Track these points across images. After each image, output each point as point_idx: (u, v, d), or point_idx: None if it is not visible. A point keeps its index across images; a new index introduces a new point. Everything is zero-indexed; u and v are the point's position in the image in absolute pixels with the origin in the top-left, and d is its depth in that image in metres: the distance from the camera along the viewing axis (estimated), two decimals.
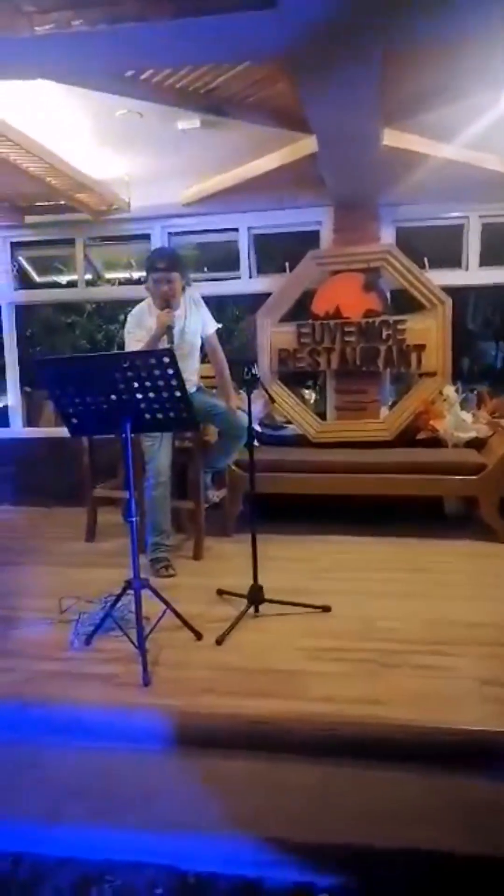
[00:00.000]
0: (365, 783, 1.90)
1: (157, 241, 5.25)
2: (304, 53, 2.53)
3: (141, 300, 3.75)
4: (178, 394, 2.50)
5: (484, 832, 1.74)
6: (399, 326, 4.66)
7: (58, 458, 5.29)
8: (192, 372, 3.67)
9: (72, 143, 3.77)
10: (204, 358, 3.93)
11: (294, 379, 5.19)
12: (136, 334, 3.57)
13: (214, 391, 3.93)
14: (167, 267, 3.52)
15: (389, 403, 4.98)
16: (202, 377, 3.96)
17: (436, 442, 4.58)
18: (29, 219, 5.16)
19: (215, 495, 4.08)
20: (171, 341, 3.39)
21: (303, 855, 1.67)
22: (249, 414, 3.04)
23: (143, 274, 5.27)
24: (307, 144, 3.79)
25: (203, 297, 3.85)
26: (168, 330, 3.42)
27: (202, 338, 3.79)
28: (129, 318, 3.70)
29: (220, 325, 3.98)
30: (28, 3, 2.18)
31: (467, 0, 2.21)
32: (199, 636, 2.68)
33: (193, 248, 5.81)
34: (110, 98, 3.15)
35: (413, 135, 3.80)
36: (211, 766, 2.00)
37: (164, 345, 3.38)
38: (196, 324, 3.71)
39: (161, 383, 2.48)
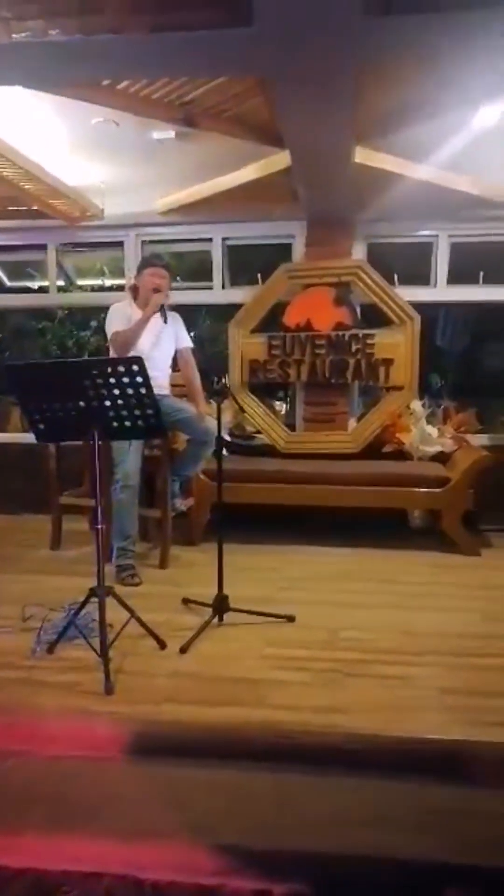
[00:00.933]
0: (323, 791, 1.91)
1: (131, 248, 5.26)
2: (279, 70, 2.57)
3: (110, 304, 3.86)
4: (147, 401, 2.51)
5: (442, 838, 1.76)
6: (368, 340, 4.73)
7: (25, 465, 5.23)
8: (162, 378, 3.74)
9: (47, 148, 3.76)
10: (174, 368, 3.99)
11: (264, 390, 5.22)
12: (116, 324, 3.71)
13: (184, 399, 3.95)
14: (165, 265, 3.81)
15: (357, 416, 5.03)
16: (172, 385, 3.98)
17: (402, 455, 4.65)
18: (1, 223, 5.12)
19: (182, 504, 4.08)
20: (164, 319, 3.64)
21: (261, 862, 1.68)
22: (220, 423, 3.06)
23: (116, 282, 5.30)
24: (281, 159, 3.84)
25: (176, 307, 3.95)
26: (161, 309, 3.61)
27: (176, 349, 3.90)
28: (111, 310, 3.82)
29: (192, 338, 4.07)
30: (5, 9, 2.18)
31: (439, 18, 2.27)
32: (163, 645, 2.67)
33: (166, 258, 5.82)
34: (86, 106, 3.16)
35: (385, 154, 3.88)
36: (170, 774, 1.99)
37: (147, 334, 3.62)
38: (171, 333, 3.84)
39: (130, 391, 2.49)
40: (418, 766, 2.00)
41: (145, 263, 3.86)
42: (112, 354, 3.67)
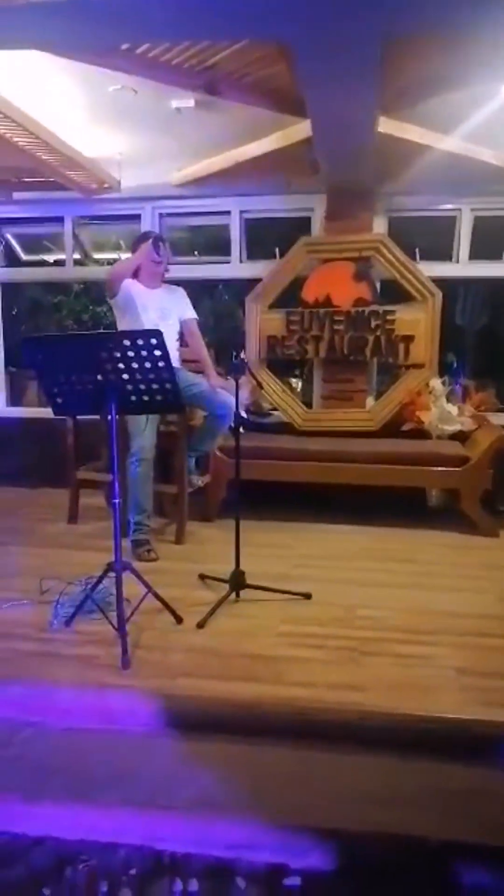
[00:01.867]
0: (338, 768, 1.92)
1: (148, 222, 5.19)
2: (305, 36, 2.49)
3: None
4: (165, 375, 2.48)
5: (457, 817, 1.76)
6: (388, 317, 4.65)
7: (41, 439, 5.24)
8: (172, 349, 3.71)
9: (64, 117, 3.70)
10: (183, 344, 3.98)
11: (282, 366, 5.17)
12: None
13: (200, 375, 3.92)
14: (161, 238, 3.80)
15: (375, 393, 4.98)
16: (184, 361, 3.96)
17: (420, 433, 4.59)
18: (17, 195, 5.08)
19: (200, 480, 4.07)
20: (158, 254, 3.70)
21: (278, 836, 1.68)
22: (237, 399, 3.03)
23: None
24: (301, 129, 3.75)
25: (193, 281, 3.93)
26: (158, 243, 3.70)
27: (180, 321, 3.88)
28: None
29: (202, 313, 4.07)
30: None
31: None
32: (179, 620, 2.68)
33: (184, 231, 5.76)
34: (104, 73, 3.09)
35: (410, 124, 3.78)
36: (188, 748, 2.00)
37: (154, 306, 3.71)
38: (174, 304, 3.85)
39: (148, 364, 2.46)
40: (434, 745, 1.99)
41: (140, 240, 3.82)
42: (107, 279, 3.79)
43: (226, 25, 2.48)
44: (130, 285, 3.72)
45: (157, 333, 2.43)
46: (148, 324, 3.56)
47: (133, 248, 3.84)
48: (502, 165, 4.22)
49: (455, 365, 5.60)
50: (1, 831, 1.76)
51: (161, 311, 3.75)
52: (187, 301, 3.95)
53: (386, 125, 3.64)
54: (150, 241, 3.72)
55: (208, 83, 3.15)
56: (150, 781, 1.88)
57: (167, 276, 3.92)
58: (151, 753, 2.00)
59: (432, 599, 3.00)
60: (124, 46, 2.84)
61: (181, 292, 3.94)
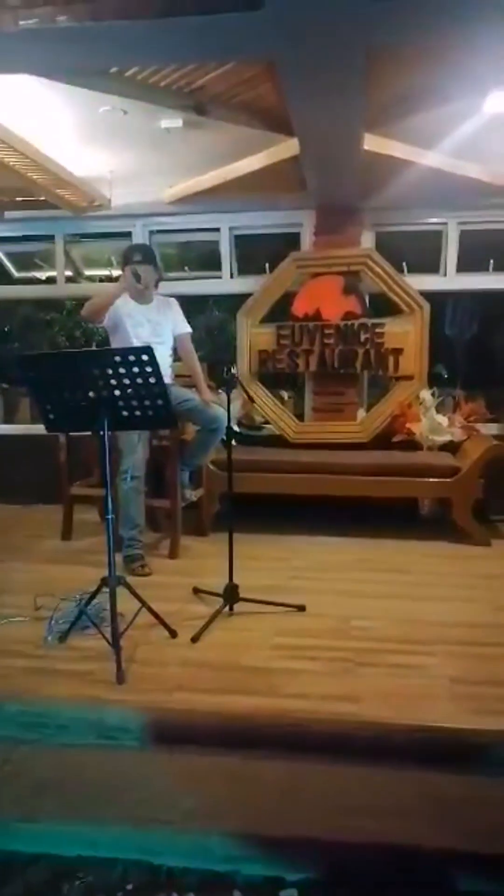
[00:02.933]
0: (335, 779, 1.92)
1: (139, 238, 5.23)
2: (288, 54, 2.54)
3: None
4: (156, 390, 2.51)
5: (452, 826, 1.77)
6: (377, 330, 4.70)
7: (34, 456, 5.23)
8: (164, 366, 3.71)
9: (54, 138, 3.75)
10: (176, 358, 3.98)
11: (273, 380, 5.21)
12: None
13: (192, 389, 3.94)
14: (142, 259, 3.65)
15: (366, 406, 5.02)
16: (177, 376, 3.98)
17: (411, 445, 4.63)
18: (8, 214, 5.12)
19: (192, 494, 4.09)
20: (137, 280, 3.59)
21: (273, 849, 1.69)
22: (229, 413, 3.05)
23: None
24: (290, 146, 3.81)
25: (183, 297, 3.93)
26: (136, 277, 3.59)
27: (174, 336, 3.86)
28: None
29: (194, 328, 4.04)
30: None
31: (449, 4, 2.24)
32: (174, 634, 2.68)
33: (174, 247, 5.81)
34: (94, 94, 3.14)
35: (395, 140, 3.84)
36: (184, 762, 2.00)
37: (145, 322, 3.66)
38: (168, 321, 3.82)
39: (140, 381, 2.48)
40: (429, 755, 2.00)
41: (125, 260, 3.69)
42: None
43: (210, 46, 2.52)
44: (120, 305, 3.67)
45: (148, 350, 2.46)
46: (138, 341, 3.54)
47: (122, 264, 3.78)
48: (487, 180, 4.29)
49: (445, 376, 5.66)
50: None
51: (153, 327, 3.74)
52: (181, 315, 3.91)
53: (371, 142, 3.70)
54: (128, 269, 3.61)
55: (197, 104, 3.20)
56: (146, 795, 1.88)
57: (160, 289, 3.88)
58: (148, 767, 2.00)
59: (425, 609, 3.02)
60: (113, 69, 2.89)
61: (175, 306, 3.90)
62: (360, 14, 2.27)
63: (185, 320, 3.94)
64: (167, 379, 3.71)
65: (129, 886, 1.68)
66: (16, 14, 2.15)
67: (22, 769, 2.01)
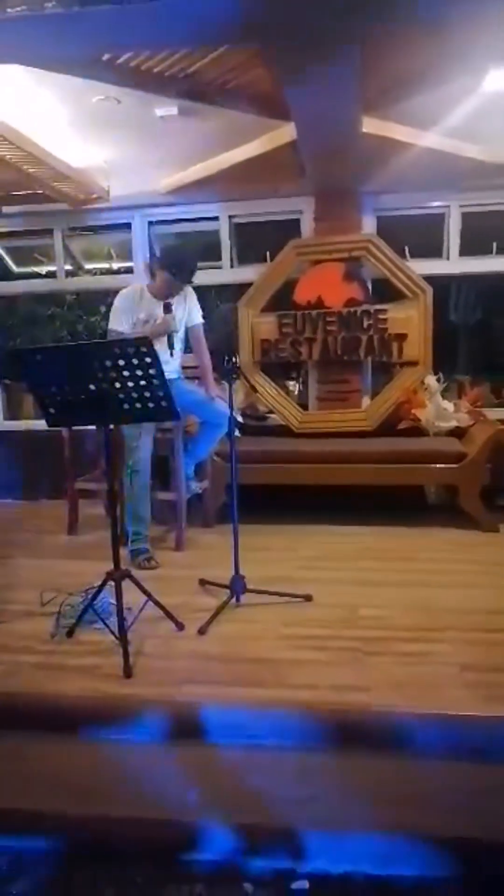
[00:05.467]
0: (346, 769, 1.91)
1: (138, 230, 5.20)
2: (282, 36, 2.50)
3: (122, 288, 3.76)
4: (156, 382, 2.48)
5: (465, 815, 1.75)
6: (380, 316, 4.66)
7: (39, 451, 5.24)
8: (174, 360, 3.68)
9: (48, 130, 3.71)
10: (187, 348, 3.93)
11: (278, 370, 5.18)
12: (121, 319, 3.59)
13: (197, 382, 3.92)
14: (186, 280, 3.58)
15: (371, 393, 4.98)
16: (184, 367, 3.95)
17: (417, 431, 4.59)
18: (6, 209, 5.09)
19: (197, 486, 4.07)
20: (171, 348, 3.53)
21: (284, 842, 1.68)
22: (231, 404, 3.03)
23: (124, 264, 5.22)
24: (286, 132, 3.77)
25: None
26: (168, 337, 3.52)
27: (186, 327, 3.80)
28: (119, 296, 3.67)
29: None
30: None
31: None
32: (181, 626, 2.67)
33: (173, 238, 5.77)
34: (87, 84, 3.10)
35: (393, 123, 3.79)
36: (195, 754, 1.99)
37: (160, 307, 3.54)
38: (182, 313, 3.74)
39: (140, 373, 2.45)
40: (440, 743, 1.98)
41: (170, 265, 3.57)
42: None
43: (203, 31, 2.48)
44: (135, 305, 3.61)
45: (146, 341, 2.43)
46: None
47: (160, 267, 3.65)
48: (487, 160, 4.23)
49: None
50: (6, 846, 1.75)
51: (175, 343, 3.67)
52: (196, 305, 3.83)
53: (369, 124, 3.65)
54: (167, 275, 3.55)
55: (190, 90, 3.16)
56: (158, 788, 1.87)
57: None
58: (159, 760, 1.99)
59: (434, 597, 2.99)
60: (105, 57, 2.85)
61: (192, 295, 3.79)
62: None
63: (200, 311, 3.87)
64: (175, 373, 3.69)
65: (140, 879, 1.67)
66: (3, 1, 2.12)
67: (32, 763, 2.00)
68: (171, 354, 3.56)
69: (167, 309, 3.55)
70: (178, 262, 3.59)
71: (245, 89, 3.27)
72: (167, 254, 3.80)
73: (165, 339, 3.52)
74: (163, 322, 3.55)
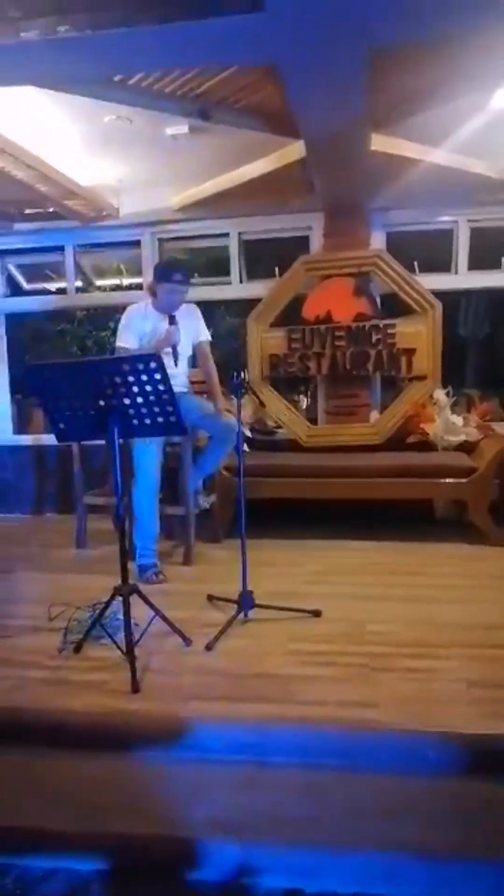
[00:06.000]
0: (354, 786, 1.89)
1: (148, 247, 5.25)
2: (292, 56, 2.53)
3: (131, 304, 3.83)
4: (165, 398, 2.50)
5: (474, 832, 1.73)
6: (389, 330, 4.67)
7: (49, 465, 5.28)
8: (181, 376, 3.71)
9: (60, 149, 3.77)
10: (193, 364, 3.96)
11: (286, 384, 5.19)
12: (127, 336, 3.66)
13: (205, 396, 3.94)
14: (182, 280, 3.64)
15: (380, 407, 4.98)
16: (192, 382, 3.97)
17: (426, 445, 4.58)
18: (18, 226, 5.15)
19: (206, 501, 4.08)
20: (175, 359, 3.57)
21: (291, 860, 1.66)
22: (239, 419, 3.04)
23: (134, 280, 5.27)
24: (296, 149, 3.80)
25: (193, 303, 3.89)
26: (174, 348, 3.57)
27: (193, 345, 3.84)
28: (125, 315, 3.76)
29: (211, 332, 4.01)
30: (13, 8, 2.18)
31: (453, 1, 2.22)
32: (188, 642, 2.66)
33: (183, 254, 5.82)
34: (99, 104, 3.15)
35: (402, 139, 3.82)
36: (198, 772, 1.98)
37: (167, 323, 3.59)
38: (188, 329, 3.78)
39: (149, 388, 2.48)
40: (448, 761, 1.96)
41: (163, 276, 3.64)
42: None
43: (214, 51, 2.52)
44: (140, 320, 3.67)
45: (156, 357, 2.45)
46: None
47: (157, 279, 3.70)
48: (495, 176, 4.25)
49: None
50: (12, 864, 1.74)
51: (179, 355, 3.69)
52: (201, 323, 3.89)
53: (378, 141, 3.68)
54: (166, 286, 3.61)
55: (201, 110, 3.20)
56: (162, 806, 1.86)
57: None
58: (162, 778, 1.98)
59: (442, 612, 2.97)
60: (117, 78, 2.90)
61: (196, 313, 3.85)
62: (362, 14, 2.25)
63: (206, 328, 3.93)
64: (183, 388, 3.72)
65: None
66: (17, 26, 2.16)
67: (37, 780, 1.99)
68: (176, 365, 3.59)
69: (172, 321, 3.60)
70: (162, 268, 3.76)
71: (255, 108, 3.31)
72: (155, 268, 3.89)
73: (171, 350, 3.57)
74: (167, 333, 3.60)
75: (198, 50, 2.49)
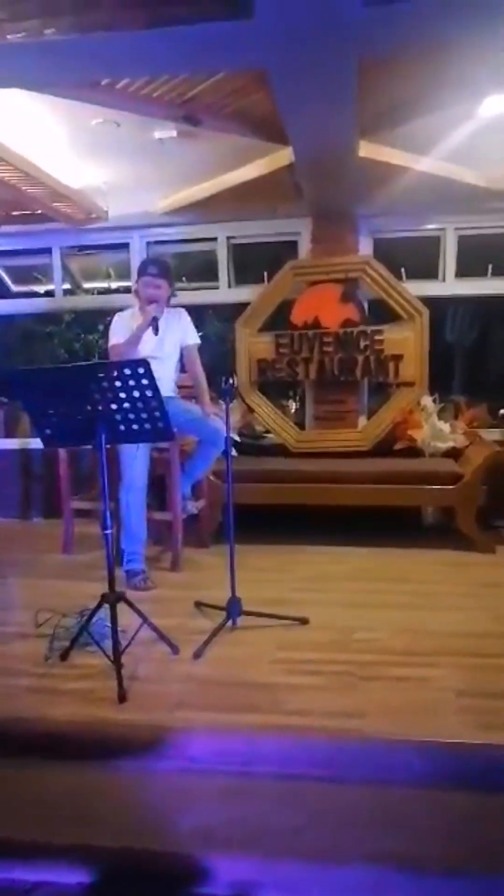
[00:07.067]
0: (340, 797, 1.88)
1: (136, 250, 5.24)
2: (280, 63, 2.54)
3: (119, 309, 3.88)
4: (153, 404, 2.48)
5: (461, 843, 1.72)
6: (377, 337, 4.68)
7: (37, 470, 5.24)
8: (168, 379, 3.71)
9: (48, 151, 3.75)
10: (181, 368, 3.94)
11: (275, 389, 5.19)
12: (118, 334, 3.71)
13: (193, 400, 3.92)
14: (158, 273, 3.68)
15: (367, 413, 4.99)
16: (179, 387, 3.96)
17: (413, 452, 4.60)
18: (5, 228, 5.12)
19: (194, 506, 4.06)
20: (156, 332, 3.58)
21: (278, 874, 1.65)
22: (228, 424, 3.02)
23: (122, 284, 5.27)
24: (284, 155, 3.80)
25: (181, 307, 3.89)
26: (154, 321, 3.57)
27: (181, 348, 3.82)
28: (115, 318, 3.81)
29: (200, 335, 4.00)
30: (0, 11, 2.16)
31: (442, 9, 2.23)
32: (176, 650, 2.64)
33: (171, 258, 5.81)
34: (86, 107, 3.14)
35: (390, 147, 3.83)
36: (182, 782, 1.96)
37: (149, 337, 3.60)
38: (175, 332, 3.77)
39: (136, 394, 2.46)
40: (436, 771, 1.96)
41: (140, 271, 3.75)
42: None
43: (201, 58, 2.52)
44: (128, 321, 3.71)
45: (144, 363, 2.43)
46: (144, 353, 3.48)
47: (138, 276, 3.77)
48: (482, 185, 4.28)
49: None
50: (3, 877, 1.72)
51: (158, 342, 3.68)
52: (190, 325, 3.88)
53: (366, 149, 3.69)
54: (141, 281, 3.69)
55: (189, 114, 3.19)
56: (148, 816, 1.85)
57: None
58: (148, 788, 1.96)
59: (429, 619, 2.98)
60: (105, 82, 2.88)
61: (184, 316, 3.85)
62: (351, 22, 2.26)
63: (195, 331, 3.91)
64: (170, 392, 3.71)
65: None
66: (2, 28, 2.15)
67: (25, 791, 1.97)
68: (156, 334, 3.61)
69: (155, 324, 3.60)
70: (140, 264, 3.88)
71: (243, 113, 3.31)
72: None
73: (151, 328, 3.59)
74: (145, 314, 3.63)
75: (185, 56, 2.49)
